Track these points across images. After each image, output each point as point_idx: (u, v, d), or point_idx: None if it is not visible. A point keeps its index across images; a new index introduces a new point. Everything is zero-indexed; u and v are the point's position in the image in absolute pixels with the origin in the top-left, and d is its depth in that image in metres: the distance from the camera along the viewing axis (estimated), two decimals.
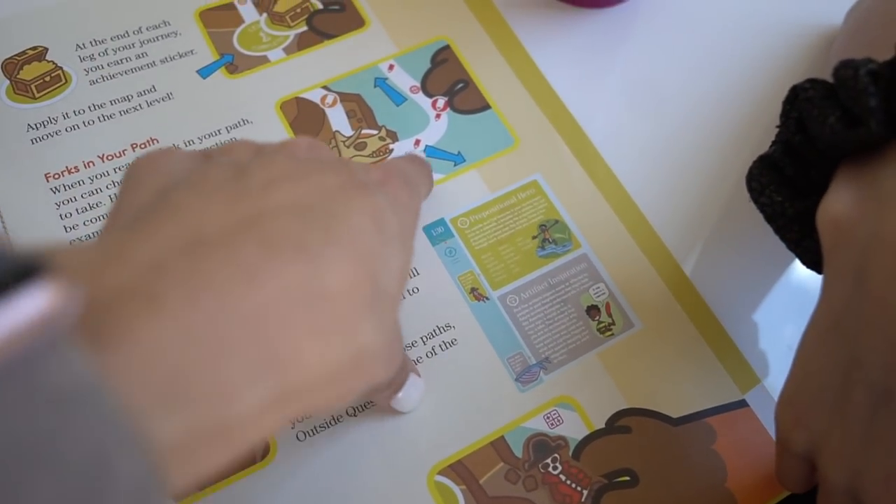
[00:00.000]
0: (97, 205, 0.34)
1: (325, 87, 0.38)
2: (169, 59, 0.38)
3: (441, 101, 0.38)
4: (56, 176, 0.35)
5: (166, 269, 0.18)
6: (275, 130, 0.37)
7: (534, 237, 0.35)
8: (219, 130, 0.37)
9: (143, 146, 0.36)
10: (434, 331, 0.33)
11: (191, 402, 0.17)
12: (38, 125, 0.36)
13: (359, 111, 0.38)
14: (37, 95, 0.37)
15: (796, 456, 0.26)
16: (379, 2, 0.41)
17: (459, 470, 0.30)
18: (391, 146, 0.37)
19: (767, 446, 0.31)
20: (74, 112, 0.36)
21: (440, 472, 0.30)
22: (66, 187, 0.35)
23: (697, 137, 0.38)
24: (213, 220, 0.20)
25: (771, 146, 0.27)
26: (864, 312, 0.23)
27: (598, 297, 0.34)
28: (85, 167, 0.35)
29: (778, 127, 0.27)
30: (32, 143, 0.35)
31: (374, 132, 0.37)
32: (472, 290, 0.34)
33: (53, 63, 0.38)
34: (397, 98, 0.38)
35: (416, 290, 0.34)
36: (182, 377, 0.17)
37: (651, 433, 0.32)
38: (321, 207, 0.21)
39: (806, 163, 0.26)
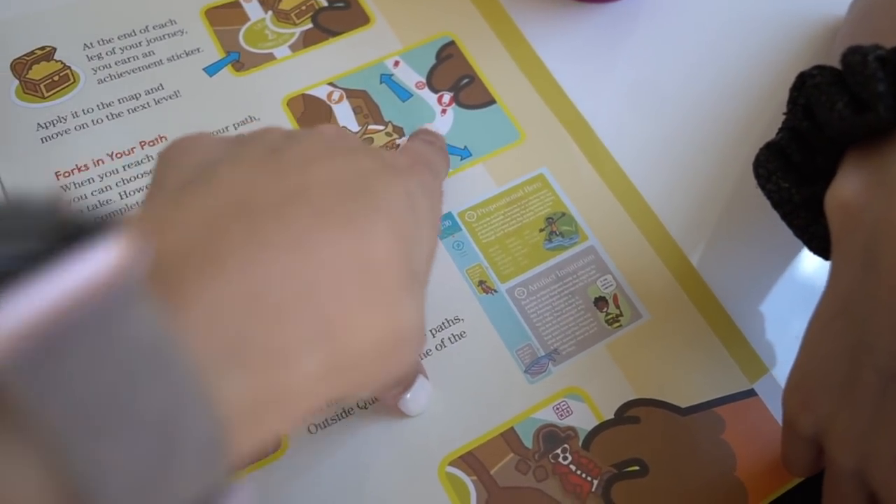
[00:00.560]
0: (107, 202, 0.34)
1: (331, 84, 0.39)
2: (176, 58, 0.39)
3: (447, 97, 0.39)
4: (66, 174, 0.35)
5: (223, 233, 0.18)
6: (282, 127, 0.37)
7: (541, 230, 0.35)
8: (226, 127, 0.37)
9: (151, 144, 0.36)
10: (443, 324, 0.33)
11: (252, 364, 0.17)
12: (48, 124, 0.36)
13: (365, 107, 0.38)
14: (46, 95, 0.37)
15: (803, 440, 0.26)
16: None
17: (470, 461, 0.31)
18: (398, 141, 0.37)
19: (776, 435, 0.31)
20: (83, 111, 0.37)
21: (451, 464, 0.30)
22: (76, 185, 0.35)
23: (702, 129, 0.38)
24: (261, 190, 0.20)
25: (777, 133, 0.28)
26: (872, 296, 0.23)
27: (606, 288, 0.34)
28: (94, 165, 0.35)
29: (784, 114, 0.27)
30: (42, 141, 0.36)
31: (381, 128, 0.37)
32: (481, 282, 0.34)
33: (62, 63, 0.38)
34: (403, 94, 0.38)
35: None
36: (243, 339, 0.17)
37: (660, 423, 0.32)
38: (360, 185, 0.21)
39: (813, 149, 0.26)
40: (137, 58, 0.38)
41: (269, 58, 0.39)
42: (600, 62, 0.40)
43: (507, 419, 0.31)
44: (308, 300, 0.18)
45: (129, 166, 0.35)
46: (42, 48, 0.38)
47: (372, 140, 0.37)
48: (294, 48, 0.39)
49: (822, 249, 0.27)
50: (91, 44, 0.38)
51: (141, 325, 0.14)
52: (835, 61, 0.26)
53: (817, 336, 0.25)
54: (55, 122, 0.36)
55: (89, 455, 0.13)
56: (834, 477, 0.25)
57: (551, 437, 0.31)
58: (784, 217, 0.28)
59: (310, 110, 0.38)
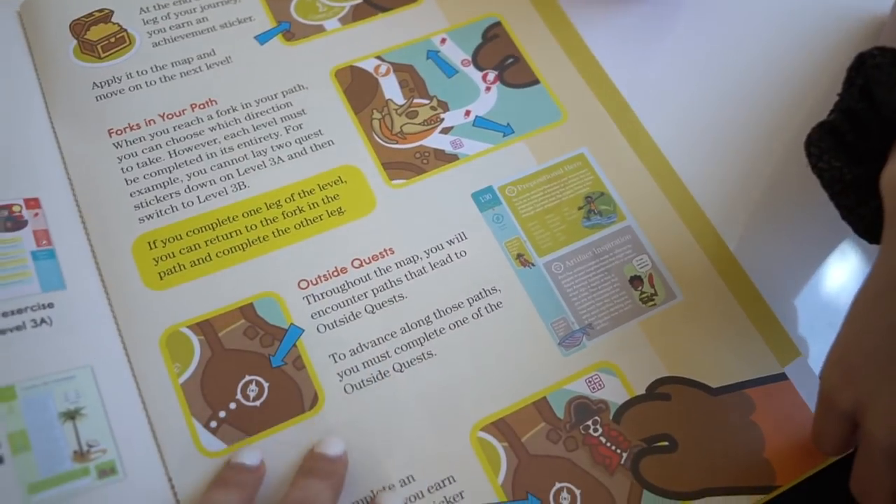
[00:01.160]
0: (156, 160, 0.35)
1: (378, 58, 0.39)
2: (228, 25, 0.39)
3: (491, 75, 0.39)
4: (119, 132, 0.36)
5: None
6: (329, 97, 0.38)
7: (579, 208, 0.36)
8: (274, 94, 0.38)
9: (202, 107, 0.37)
10: (480, 293, 0.34)
11: None
12: (103, 83, 0.37)
13: (411, 81, 0.39)
14: (102, 55, 0.38)
15: (839, 415, 0.26)
16: None
17: (502, 427, 0.31)
18: (442, 115, 0.38)
19: (806, 418, 0.32)
20: (137, 72, 0.38)
21: (483, 429, 0.31)
22: (128, 143, 0.36)
23: (742, 114, 0.39)
24: None
25: (830, 113, 0.28)
26: None
27: (642, 268, 0.35)
28: (146, 125, 0.36)
29: (838, 95, 0.28)
30: (97, 100, 0.37)
31: (426, 101, 0.38)
32: (518, 255, 0.34)
33: (118, 25, 0.39)
34: (449, 70, 0.39)
35: (463, 253, 0.34)
36: None
37: (690, 401, 0.32)
38: None
39: (867, 130, 0.26)
40: (191, 23, 0.39)
41: (319, 29, 0.40)
42: (644, 47, 0.41)
43: (540, 389, 0.32)
44: None
45: (178, 127, 0.36)
46: (100, 10, 0.39)
47: (416, 113, 0.38)
48: (344, 21, 0.40)
49: (868, 232, 0.28)
50: (147, 8, 0.39)
51: None
52: None
53: (863, 311, 0.25)
54: (110, 81, 0.37)
55: None
56: (867, 454, 0.26)
57: (583, 408, 0.32)
58: (833, 197, 0.28)
59: (357, 82, 0.38)
